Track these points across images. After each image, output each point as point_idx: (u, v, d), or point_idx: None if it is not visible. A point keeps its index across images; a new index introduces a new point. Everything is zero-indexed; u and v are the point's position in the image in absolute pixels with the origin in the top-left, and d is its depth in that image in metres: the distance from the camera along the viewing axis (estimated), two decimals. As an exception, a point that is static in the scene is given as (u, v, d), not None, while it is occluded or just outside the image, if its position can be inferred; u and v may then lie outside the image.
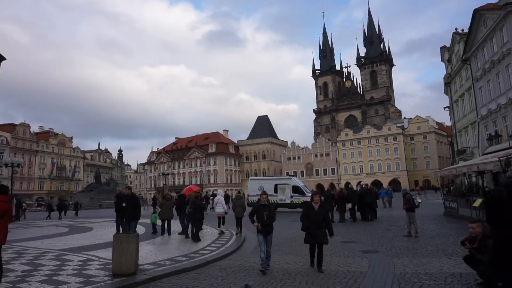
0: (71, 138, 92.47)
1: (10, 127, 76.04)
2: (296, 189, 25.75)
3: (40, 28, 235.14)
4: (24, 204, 31.51)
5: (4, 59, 16.80)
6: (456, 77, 39.48)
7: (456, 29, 38.71)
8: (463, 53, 35.20)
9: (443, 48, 46.77)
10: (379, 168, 77.25)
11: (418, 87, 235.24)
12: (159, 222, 13.12)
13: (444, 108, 52.06)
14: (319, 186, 71.49)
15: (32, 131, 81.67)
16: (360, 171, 78.57)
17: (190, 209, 11.28)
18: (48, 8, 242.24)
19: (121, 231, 13.19)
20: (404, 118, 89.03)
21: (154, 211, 13.87)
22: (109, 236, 10.12)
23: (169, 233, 12.68)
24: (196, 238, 10.90)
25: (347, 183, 75.44)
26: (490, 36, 29.07)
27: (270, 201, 25.52)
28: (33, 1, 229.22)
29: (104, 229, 12.27)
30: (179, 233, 12.81)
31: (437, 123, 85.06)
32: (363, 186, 17.96)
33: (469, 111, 36.22)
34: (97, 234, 13.30)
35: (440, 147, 78.56)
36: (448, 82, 42.94)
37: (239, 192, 17.14)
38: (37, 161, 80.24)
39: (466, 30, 37.54)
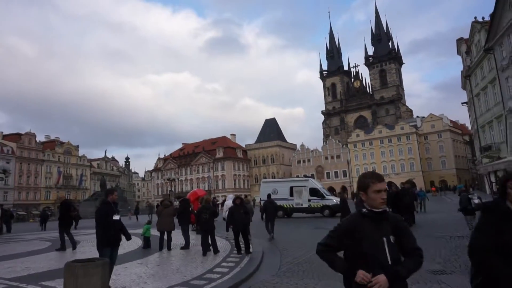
0: (78, 146, 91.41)
1: (16, 137, 75.22)
2: (314, 192, 23.32)
3: (46, 40, 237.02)
4: (48, 213, 30.70)
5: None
6: (477, 69, 36.98)
7: (475, 18, 36.35)
8: (485, 42, 32.81)
9: (459, 40, 44.30)
10: (392, 169, 74.45)
11: (424, 87, 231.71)
12: (155, 233, 11.00)
13: (462, 103, 49.49)
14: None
15: (38, 141, 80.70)
16: (373, 173, 75.67)
17: (205, 215, 9.54)
18: (53, 20, 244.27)
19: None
20: (417, 116, 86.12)
21: (149, 221, 11.75)
22: (92, 253, 7.90)
23: (169, 248, 10.49)
24: (216, 250, 9.43)
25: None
26: (518, 20, 26.69)
27: (286, 206, 22.90)
28: (38, 13, 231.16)
29: (92, 242, 10.12)
30: (182, 248, 10.67)
31: (451, 121, 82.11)
32: (401, 185, 15.60)
33: (493, 105, 33.69)
34: (78, 251, 11.25)
35: (456, 146, 75.57)
36: (467, 75, 40.41)
37: (246, 196, 15.55)
38: (43, 170, 79.11)
39: (487, 19, 35.23)
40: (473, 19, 36.38)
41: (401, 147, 73.78)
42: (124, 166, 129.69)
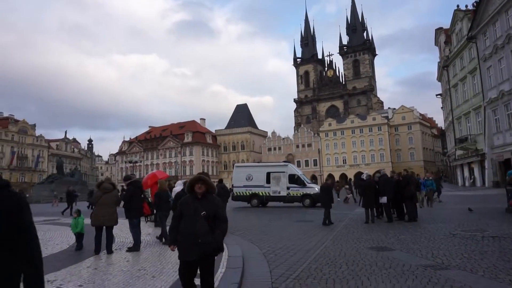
0: (34, 125, 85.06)
1: (-38, 113, 68.54)
2: (293, 179, 21.01)
3: None
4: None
5: None
6: (456, 59, 36.13)
7: (457, 6, 35.30)
8: (468, 30, 31.80)
9: (438, 30, 43.41)
10: (362, 159, 74.33)
11: (389, 82, 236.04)
12: (89, 228, 8.17)
13: (437, 95, 49.23)
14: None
15: (-12, 118, 74.20)
16: (343, 163, 75.55)
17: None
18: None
19: None
20: (389, 108, 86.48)
21: (77, 212, 8.94)
22: None
23: (109, 251, 7.74)
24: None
25: (343, 175, 70.01)
26: (506, 7, 25.56)
27: (262, 193, 21.38)
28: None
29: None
30: (129, 249, 8.08)
31: (420, 114, 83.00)
32: (403, 172, 13.66)
33: (472, 95, 32.97)
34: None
35: (425, 138, 76.57)
36: (445, 66, 39.65)
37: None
38: (-6, 150, 72.94)
39: (470, 8, 34.25)
40: (456, 7, 35.29)
41: (372, 137, 73.64)
42: (86, 148, 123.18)
